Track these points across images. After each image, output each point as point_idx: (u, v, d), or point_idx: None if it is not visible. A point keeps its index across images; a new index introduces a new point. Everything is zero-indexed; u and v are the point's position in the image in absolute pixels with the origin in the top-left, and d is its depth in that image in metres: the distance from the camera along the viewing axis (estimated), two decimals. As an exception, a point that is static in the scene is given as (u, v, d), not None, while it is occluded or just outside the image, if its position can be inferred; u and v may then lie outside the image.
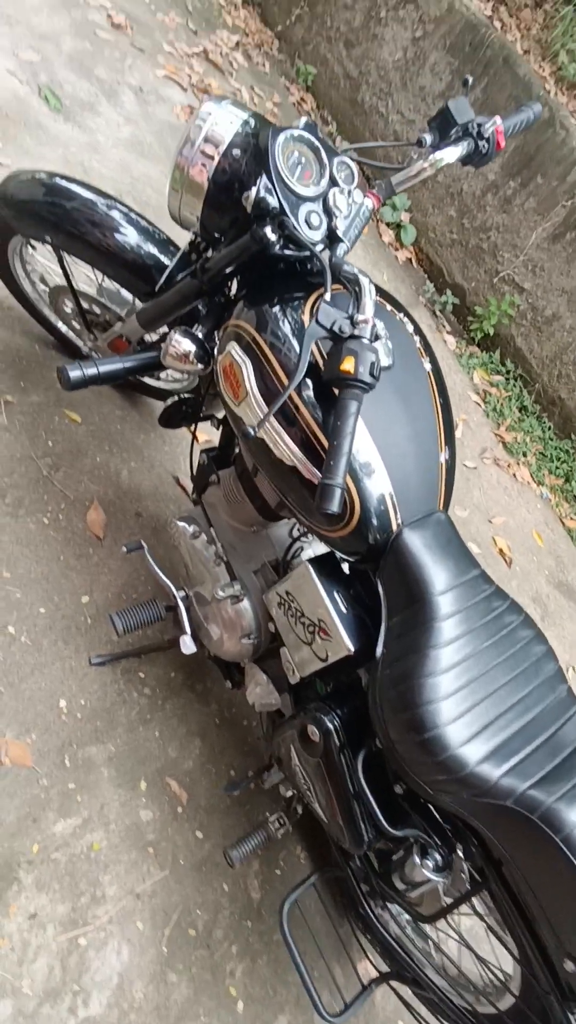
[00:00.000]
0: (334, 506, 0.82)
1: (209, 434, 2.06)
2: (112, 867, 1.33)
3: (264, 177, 0.92)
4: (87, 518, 1.68)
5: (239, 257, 1.02)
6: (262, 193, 0.91)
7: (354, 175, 1.01)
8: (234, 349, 0.98)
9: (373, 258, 3.39)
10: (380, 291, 1.09)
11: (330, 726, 1.04)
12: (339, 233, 0.96)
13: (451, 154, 1.06)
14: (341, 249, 0.97)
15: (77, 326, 1.67)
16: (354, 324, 0.85)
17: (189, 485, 1.91)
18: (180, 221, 1.05)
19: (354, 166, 1.01)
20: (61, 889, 1.26)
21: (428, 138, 1.07)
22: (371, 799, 1.00)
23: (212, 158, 0.97)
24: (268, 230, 0.93)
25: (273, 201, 0.91)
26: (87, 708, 1.45)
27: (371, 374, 0.84)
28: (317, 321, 0.84)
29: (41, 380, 1.79)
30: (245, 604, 1.27)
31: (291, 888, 1.27)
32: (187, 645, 1.33)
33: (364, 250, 3.35)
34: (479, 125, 1.08)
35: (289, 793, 1.29)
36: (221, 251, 1.05)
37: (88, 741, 1.42)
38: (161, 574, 1.39)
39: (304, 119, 1.01)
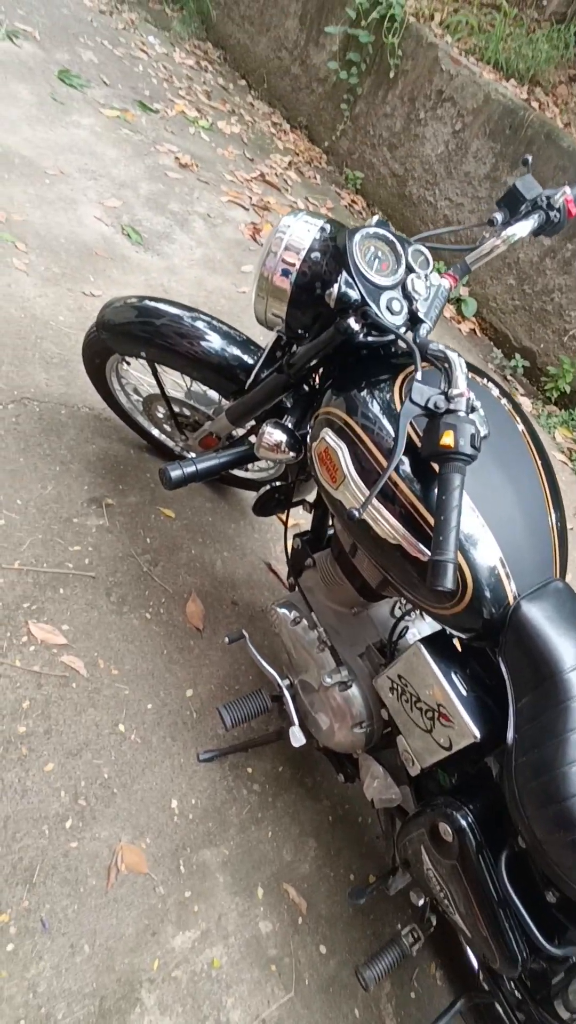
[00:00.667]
0: (448, 582, 0.79)
1: (299, 519, 2.09)
2: (235, 987, 1.24)
3: (344, 274, 0.97)
4: (186, 611, 1.71)
5: (325, 349, 1.06)
6: (343, 288, 0.95)
7: (429, 261, 1.05)
8: (328, 435, 1.00)
9: (437, 333, 3.46)
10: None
11: (463, 823, 0.96)
12: (420, 315, 0.99)
13: (523, 228, 1.09)
14: (424, 329, 0.99)
15: (169, 429, 1.79)
16: (449, 399, 0.85)
17: (282, 571, 1.93)
18: (266, 323, 1.13)
19: (427, 252, 1.05)
20: (184, 1012, 1.18)
21: (499, 216, 1.11)
22: (521, 908, 0.90)
23: (294, 264, 1.04)
24: (352, 320, 0.97)
25: (355, 294, 0.96)
26: (198, 808, 1.41)
27: (472, 446, 0.83)
28: (411, 399, 0.85)
29: (137, 482, 1.90)
30: (354, 690, 1.23)
31: (433, 1018, 1.13)
32: (296, 737, 1.28)
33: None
34: (548, 197, 1.11)
35: (421, 901, 1.18)
36: (306, 345, 1.10)
37: (201, 844, 1.37)
38: (264, 663, 1.37)
39: (376, 217, 1.08)
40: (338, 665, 1.24)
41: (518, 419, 1.10)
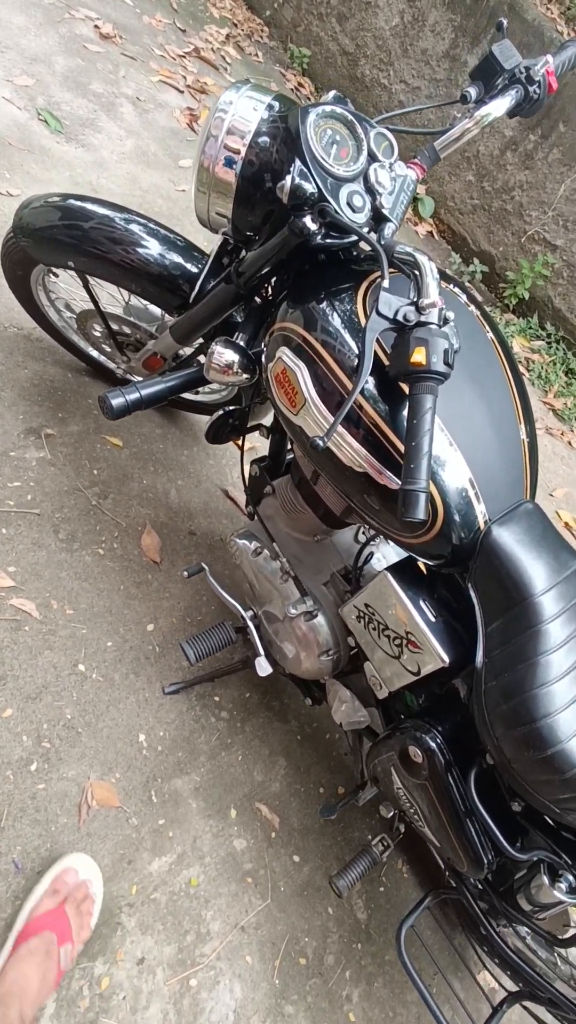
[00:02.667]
0: (420, 513, 0.74)
1: (256, 443, 2.00)
2: (213, 901, 1.29)
3: (298, 162, 0.84)
4: (142, 543, 1.64)
5: (278, 253, 0.94)
6: (297, 180, 0.83)
7: (393, 147, 0.92)
8: (285, 354, 0.91)
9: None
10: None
11: (433, 745, 0.97)
12: (385, 212, 0.88)
13: (499, 107, 0.96)
14: (389, 229, 0.88)
15: (108, 349, 1.63)
16: (420, 310, 0.76)
17: (240, 497, 1.86)
18: (209, 224, 0.99)
19: (392, 137, 0.92)
20: (165, 930, 1.22)
21: (473, 92, 0.97)
22: (488, 820, 0.92)
23: (238, 151, 0.90)
24: (308, 219, 0.85)
25: (311, 187, 0.83)
26: (167, 739, 1.41)
27: (446, 363, 0.75)
28: (377, 312, 0.76)
29: (78, 408, 1.76)
30: (320, 619, 1.20)
31: (404, 912, 1.20)
32: (262, 667, 1.27)
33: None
34: (527, 68, 0.97)
35: (390, 814, 1.22)
36: (257, 250, 0.97)
37: (172, 774, 1.38)
38: (226, 595, 1.33)
39: (333, 92, 0.93)
40: (302, 595, 1.21)
41: (487, 327, 1.02)
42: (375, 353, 0.85)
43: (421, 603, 0.99)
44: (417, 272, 0.80)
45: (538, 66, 0.97)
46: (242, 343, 1.08)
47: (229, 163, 0.91)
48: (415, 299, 0.79)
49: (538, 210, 3.12)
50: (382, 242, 0.85)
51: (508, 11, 2.90)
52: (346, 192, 0.86)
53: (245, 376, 1.07)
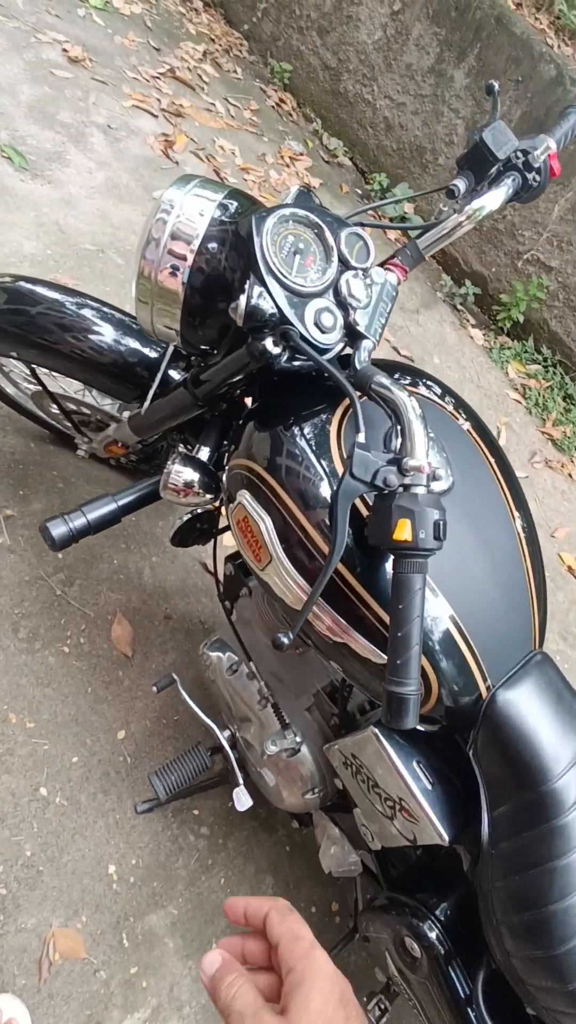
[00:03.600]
0: (410, 721, 0.61)
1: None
2: (193, 1061, 1.16)
3: (253, 277, 0.70)
4: (112, 635, 1.50)
5: (238, 372, 0.80)
6: (254, 300, 0.69)
7: (369, 248, 0.78)
8: (246, 499, 0.77)
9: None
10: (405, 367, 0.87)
11: (432, 936, 0.83)
12: (360, 328, 0.74)
13: (494, 199, 0.82)
14: (365, 349, 0.74)
15: (69, 425, 1.49)
16: (403, 470, 0.63)
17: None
18: (156, 336, 0.85)
19: (367, 237, 0.78)
20: None
21: (462, 184, 0.83)
22: None
23: (184, 258, 0.76)
24: (269, 343, 0.72)
25: (269, 307, 0.70)
26: (140, 868, 1.27)
27: (436, 536, 0.62)
28: (351, 473, 0.62)
29: (41, 483, 1.62)
30: (303, 753, 1.07)
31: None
32: (240, 801, 1.13)
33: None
34: (524, 153, 0.84)
35: (384, 978, 1.09)
36: (215, 366, 0.84)
37: (146, 909, 1.24)
38: (200, 713, 1.19)
39: (295, 188, 0.79)
40: (283, 726, 1.07)
41: (461, 417, 0.88)
42: (355, 507, 0.71)
43: (415, 766, 0.85)
44: (399, 421, 0.66)
45: (538, 151, 0.83)
46: (204, 457, 0.94)
47: (174, 271, 0.76)
48: (396, 451, 0.65)
49: (531, 230, 2.98)
50: (358, 370, 0.71)
51: (496, 24, 2.76)
52: (313, 310, 0.72)
53: (208, 497, 0.93)
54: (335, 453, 0.75)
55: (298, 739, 1.07)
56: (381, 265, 0.81)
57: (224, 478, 0.86)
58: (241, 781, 1.15)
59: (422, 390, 0.87)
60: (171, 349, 1.03)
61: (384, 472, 0.62)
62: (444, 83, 3.00)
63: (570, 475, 2.81)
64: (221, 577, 1.24)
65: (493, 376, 2.99)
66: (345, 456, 0.75)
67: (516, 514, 0.88)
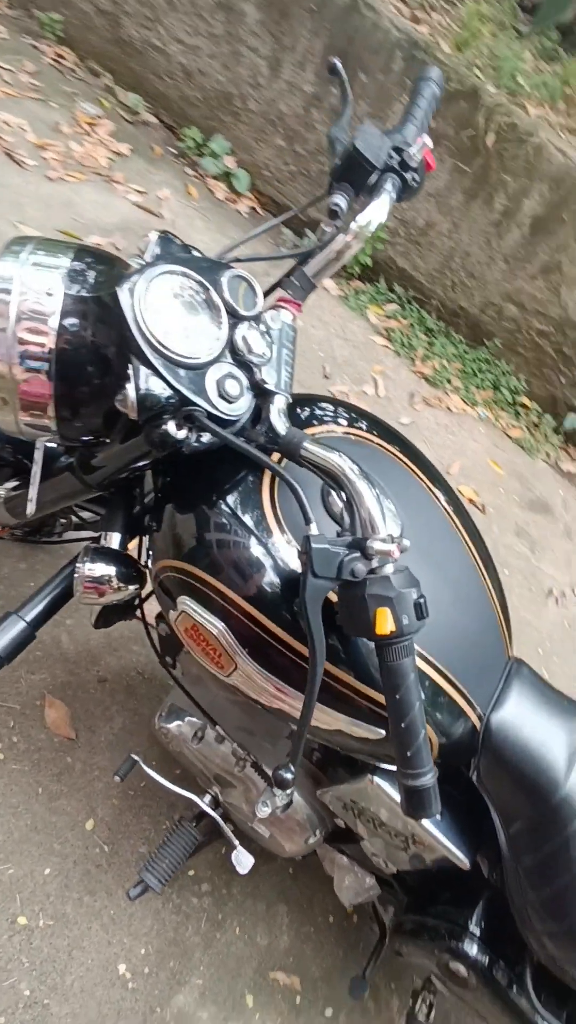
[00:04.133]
0: (433, 811, 0.57)
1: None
2: None
3: (135, 361, 0.58)
4: (47, 721, 1.35)
5: (138, 460, 0.69)
6: (144, 386, 0.58)
7: (255, 289, 0.68)
8: (191, 607, 0.67)
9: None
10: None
11: (476, 955, 0.84)
12: (270, 387, 0.65)
13: (379, 210, 0.73)
14: (279, 407, 0.65)
15: None
16: (367, 555, 0.56)
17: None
18: (24, 436, 0.70)
19: (248, 276, 0.67)
20: None
21: (343, 203, 0.74)
22: (554, 1018, 0.82)
23: (43, 346, 0.62)
24: (171, 427, 0.61)
25: (163, 391, 0.58)
26: (151, 954, 1.20)
27: (420, 616, 0.57)
28: (313, 573, 0.55)
29: None
30: (296, 801, 1.02)
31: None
32: (242, 864, 1.08)
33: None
34: (399, 152, 0.75)
35: (419, 982, 1.11)
36: (107, 451, 0.71)
37: (170, 993, 1.18)
38: (173, 786, 1.11)
39: (154, 234, 0.66)
40: (269, 784, 1.02)
41: (406, 461, 0.84)
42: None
43: (421, 801, 0.83)
44: (341, 489, 0.58)
45: (414, 149, 0.75)
46: (115, 545, 0.82)
47: (32, 364, 0.62)
48: (349, 529, 0.58)
49: (359, 168, 2.92)
50: (281, 431, 0.63)
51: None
52: (213, 380, 0.62)
53: (131, 589, 0.81)
54: (275, 530, 0.67)
55: (288, 791, 1.02)
56: (272, 307, 0.71)
57: (152, 582, 0.75)
58: (237, 844, 1.09)
59: (338, 426, 0.80)
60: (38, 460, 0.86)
61: (349, 563, 0.56)
62: (236, 19, 2.79)
63: (448, 408, 2.90)
64: (156, 640, 1.14)
65: (356, 325, 2.97)
66: (284, 531, 0.67)
67: (456, 520, 0.85)
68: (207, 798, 1.13)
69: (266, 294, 0.74)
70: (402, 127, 0.78)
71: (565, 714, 0.79)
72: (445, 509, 0.84)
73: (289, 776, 0.57)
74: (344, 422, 0.84)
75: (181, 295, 0.62)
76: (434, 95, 0.83)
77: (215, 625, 0.66)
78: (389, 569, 0.56)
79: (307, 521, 0.57)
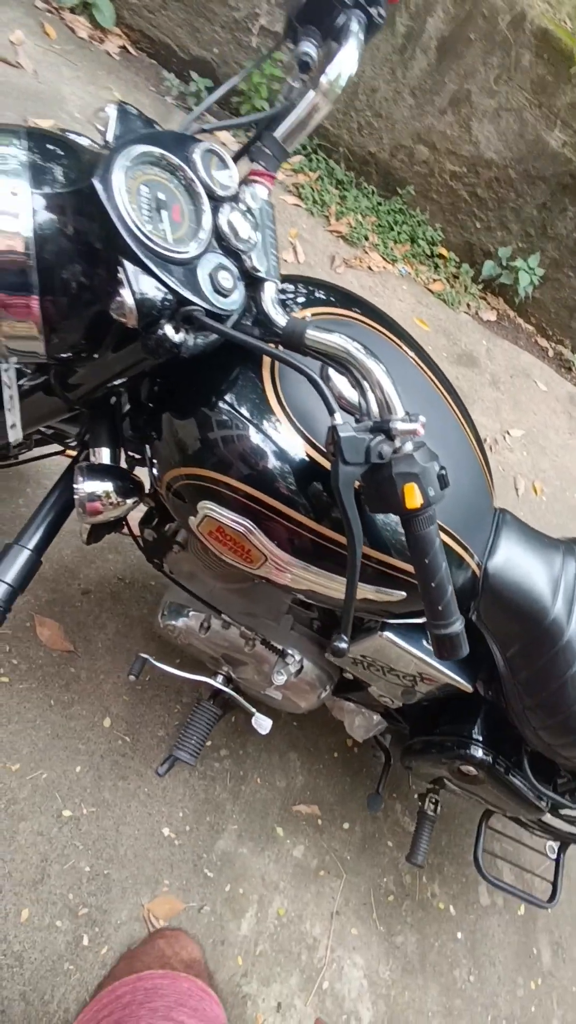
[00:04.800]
0: (463, 651, 0.66)
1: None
2: (304, 913, 1.37)
3: (127, 263, 0.53)
4: (41, 639, 1.38)
5: (129, 370, 0.66)
6: (140, 292, 0.54)
7: (226, 161, 0.62)
8: (214, 511, 0.68)
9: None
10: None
11: (482, 757, 1.00)
12: (260, 273, 0.62)
13: (349, 59, 0.65)
14: (270, 295, 0.63)
15: None
16: (391, 435, 0.58)
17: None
18: (5, 358, 0.64)
19: (217, 147, 0.61)
20: (281, 968, 1.29)
21: (312, 50, 0.65)
22: (553, 795, 1.01)
23: (24, 261, 0.55)
24: (168, 331, 0.58)
25: (160, 292, 0.55)
26: (189, 815, 1.35)
27: (443, 487, 0.61)
28: (343, 460, 0.56)
29: None
30: (307, 667, 1.12)
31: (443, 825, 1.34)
32: (262, 726, 1.19)
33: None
34: None
35: (425, 787, 1.31)
36: (91, 365, 0.67)
37: (211, 841, 1.35)
38: (186, 674, 1.19)
39: (112, 107, 0.57)
40: (280, 655, 1.11)
41: (373, 325, 0.84)
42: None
43: (424, 643, 0.94)
44: (352, 373, 0.59)
45: None
46: (107, 460, 0.80)
47: (17, 285, 0.56)
48: (366, 412, 0.60)
49: (241, -12, 2.55)
50: (280, 321, 0.61)
51: None
52: (206, 274, 0.58)
53: (130, 502, 0.81)
54: (285, 423, 0.67)
55: (298, 658, 1.11)
56: (242, 182, 0.65)
57: (162, 492, 0.74)
58: (254, 711, 1.20)
59: (339, 309, 0.78)
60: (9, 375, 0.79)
61: (376, 446, 0.58)
62: None
63: (370, 268, 2.82)
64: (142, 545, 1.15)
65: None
66: (293, 421, 0.68)
67: (432, 377, 0.87)
68: (219, 678, 1.22)
69: (244, 180, 0.68)
70: None
71: (547, 552, 0.89)
72: (421, 367, 0.86)
73: (344, 645, 0.63)
74: (303, 299, 0.81)
75: (154, 179, 0.56)
76: None
77: (242, 524, 0.68)
78: (410, 447, 0.59)
79: (331, 411, 0.58)
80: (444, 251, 3.08)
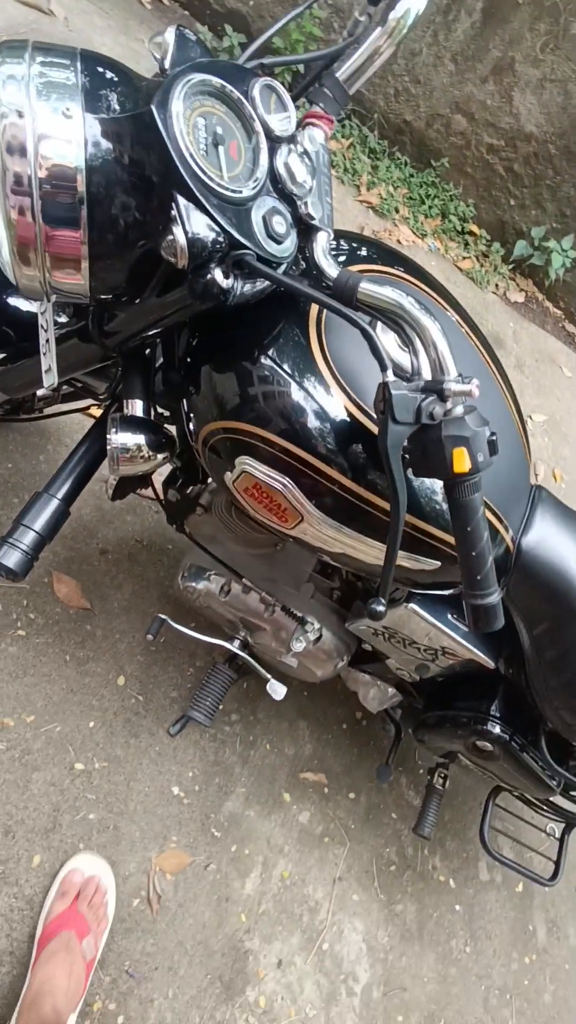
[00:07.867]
0: (498, 623, 0.65)
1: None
2: (307, 877, 1.39)
3: (180, 199, 0.52)
4: (58, 596, 1.38)
5: (172, 316, 0.64)
6: (193, 231, 0.52)
7: (284, 100, 0.59)
8: (252, 467, 0.67)
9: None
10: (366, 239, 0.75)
11: (499, 733, 1.00)
12: (315, 220, 0.60)
13: None
14: (323, 245, 0.60)
15: None
16: (444, 396, 0.56)
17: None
18: (46, 297, 0.62)
19: (277, 84, 0.58)
20: (283, 927, 1.32)
21: None
22: (566, 774, 1.01)
23: (72, 192, 0.53)
24: (217, 275, 0.56)
25: (213, 233, 0.53)
26: (199, 775, 1.36)
27: (493, 453, 0.59)
28: (393, 418, 0.55)
29: None
30: (325, 636, 1.12)
31: (479, 820, 1.35)
32: (276, 692, 1.20)
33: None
34: None
35: (435, 762, 1.32)
36: (132, 310, 0.65)
37: (220, 801, 1.36)
38: (203, 636, 1.19)
39: (171, 31, 0.55)
40: (299, 623, 1.10)
41: (445, 303, 0.82)
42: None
43: (450, 618, 0.94)
44: (405, 331, 0.57)
45: None
46: (140, 412, 0.79)
47: (60, 219, 0.54)
48: (418, 372, 0.58)
49: None
50: (331, 272, 0.59)
51: None
52: (259, 217, 0.56)
53: (161, 457, 0.80)
54: (330, 380, 0.66)
55: (316, 626, 1.11)
56: (299, 124, 0.62)
57: (200, 450, 0.73)
58: (270, 676, 1.20)
59: (385, 267, 0.75)
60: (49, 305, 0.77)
61: (427, 407, 0.56)
62: None
63: (399, 241, 2.76)
64: (165, 505, 1.14)
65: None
66: (339, 378, 0.66)
67: (481, 347, 0.86)
68: (236, 642, 1.22)
69: (302, 122, 0.65)
70: None
71: (577, 528, 0.88)
72: (467, 332, 0.84)
73: (381, 608, 0.62)
74: (346, 255, 0.79)
75: (212, 111, 0.54)
76: None
77: (280, 480, 0.67)
78: (461, 410, 0.58)
79: (383, 367, 0.56)
80: (475, 228, 3.01)
